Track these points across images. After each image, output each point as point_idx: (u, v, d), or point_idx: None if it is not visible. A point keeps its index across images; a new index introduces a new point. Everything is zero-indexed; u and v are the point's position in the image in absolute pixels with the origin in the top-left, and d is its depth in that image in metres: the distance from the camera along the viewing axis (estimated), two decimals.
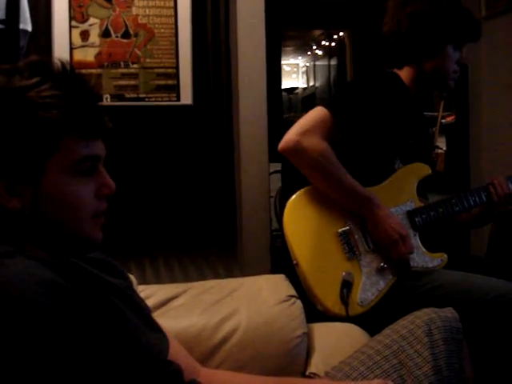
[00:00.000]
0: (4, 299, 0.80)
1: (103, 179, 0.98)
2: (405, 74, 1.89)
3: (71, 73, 0.96)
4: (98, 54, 2.76)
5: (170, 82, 2.83)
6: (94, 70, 2.73)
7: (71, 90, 0.93)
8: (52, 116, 0.90)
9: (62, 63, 0.95)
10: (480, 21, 1.89)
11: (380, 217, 1.71)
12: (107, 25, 2.76)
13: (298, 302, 1.58)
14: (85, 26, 2.74)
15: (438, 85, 1.93)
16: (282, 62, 7.13)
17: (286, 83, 8.85)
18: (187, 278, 2.83)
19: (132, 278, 1.32)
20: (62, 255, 0.97)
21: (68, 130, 0.92)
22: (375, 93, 1.79)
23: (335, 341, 1.57)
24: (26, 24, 2.50)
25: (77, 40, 2.74)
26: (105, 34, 2.76)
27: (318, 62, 8.97)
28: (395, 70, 1.91)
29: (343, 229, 1.74)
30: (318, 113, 1.73)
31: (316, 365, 1.49)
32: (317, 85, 8.94)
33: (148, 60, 2.80)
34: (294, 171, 1.77)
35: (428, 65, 1.85)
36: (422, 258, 1.79)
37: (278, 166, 3.47)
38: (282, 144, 1.72)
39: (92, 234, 0.98)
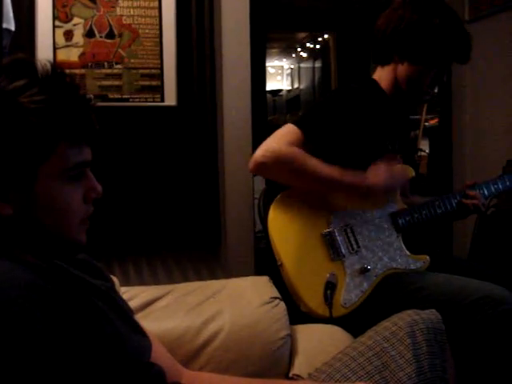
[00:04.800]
0: None
1: (91, 183, 0.98)
2: (385, 73, 1.88)
3: (61, 77, 0.94)
4: (82, 54, 2.73)
5: (154, 82, 2.81)
6: (77, 71, 2.71)
7: (63, 96, 0.92)
8: (46, 123, 0.89)
9: (51, 65, 0.93)
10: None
11: (371, 178, 1.74)
12: (91, 25, 2.74)
13: (282, 304, 1.58)
14: (69, 26, 2.72)
15: (411, 92, 1.88)
16: (267, 64, 7.12)
17: (271, 85, 8.83)
18: (171, 280, 2.82)
19: (115, 279, 1.32)
20: (46, 258, 0.97)
21: (61, 137, 0.91)
22: (345, 106, 1.77)
23: (318, 342, 1.57)
24: (9, 23, 2.47)
25: (60, 40, 2.71)
26: (89, 34, 2.74)
27: (302, 64, 8.96)
28: (376, 75, 1.91)
29: (327, 230, 1.74)
30: (285, 129, 1.72)
31: (299, 366, 1.49)
32: (301, 87, 8.94)
33: (132, 60, 2.78)
34: None
35: (406, 68, 1.83)
36: (405, 259, 1.80)
37: None
38: (250, 163, 1.70)
39: (78, 237, 0.98)
